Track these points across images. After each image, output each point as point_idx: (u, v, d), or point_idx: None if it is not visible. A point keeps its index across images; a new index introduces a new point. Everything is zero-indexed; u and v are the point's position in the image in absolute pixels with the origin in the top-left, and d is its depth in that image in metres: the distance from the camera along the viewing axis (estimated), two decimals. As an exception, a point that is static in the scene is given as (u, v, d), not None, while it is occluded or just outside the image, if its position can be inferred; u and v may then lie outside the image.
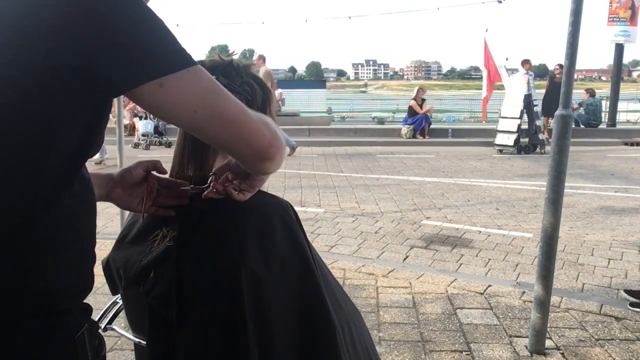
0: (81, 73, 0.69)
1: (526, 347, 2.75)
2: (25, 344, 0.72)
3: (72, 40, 0.67)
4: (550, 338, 2.85)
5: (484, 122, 15.92)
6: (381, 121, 16.75)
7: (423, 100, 12.95)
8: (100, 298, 3.25)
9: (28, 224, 0.71)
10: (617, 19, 13.70)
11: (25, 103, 0.68)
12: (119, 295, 1.15)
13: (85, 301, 0.82)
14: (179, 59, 0.74)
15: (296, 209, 1.12)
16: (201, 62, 1.13)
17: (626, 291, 3.43)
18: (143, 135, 11.26)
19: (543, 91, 12.35)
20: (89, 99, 0.72)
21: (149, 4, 0.79)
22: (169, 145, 10.90)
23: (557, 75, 11.82)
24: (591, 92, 13.79)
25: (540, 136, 10.89)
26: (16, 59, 0.67)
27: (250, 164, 0.90)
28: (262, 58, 10.60)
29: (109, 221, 5.31)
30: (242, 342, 0.96)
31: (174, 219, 1.06)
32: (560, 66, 12.20)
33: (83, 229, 0.80)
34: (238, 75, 1.11)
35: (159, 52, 0.73)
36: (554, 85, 11.69)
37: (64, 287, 0.76)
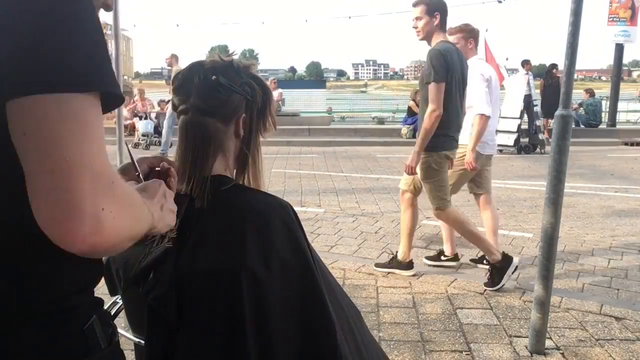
0: None
1: (526, 347, 2.75)
2: (34, 340, 0.71)
3: None
4: (550, 338, 2.85)
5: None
6: (381, 121, 16.75)
7: None
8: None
9: (27, 219, 0.65)
10: (617, 19, 13.70)
11: None
12: (119, 295, 1.15)
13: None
14: (61, 77, 0.62)
15: (296, 209, 1.12)
16: (201, 62, 1.14)
17: (426, 257, 4.10)
18: (143, 135, 11.28)
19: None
20: None
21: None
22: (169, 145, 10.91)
23: (554, 72, 11.84)
24: (591, 92, 13.80)
25: (540, 136, 10.89)
26: None
27: (44, 229, 0.65)
28: (174, 57, 9.63)
29: (109, 221, 5.32)
30: (242, 343, 0.96)
31: None
32: (552, 66, 12.20)
33: None
34: (238, 75, 1.12)
35: (38, 63, 0.61)
36: (550, 87, 11.70)
37: (68, 282, 0.75)
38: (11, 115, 0.62)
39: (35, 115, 0.61)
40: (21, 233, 0.69)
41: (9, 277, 0.71)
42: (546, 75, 12.44)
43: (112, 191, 0.65)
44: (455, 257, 4.10)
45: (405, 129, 12.61)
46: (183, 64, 9.00)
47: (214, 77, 1.08)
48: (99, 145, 0.64)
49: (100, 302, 0.82)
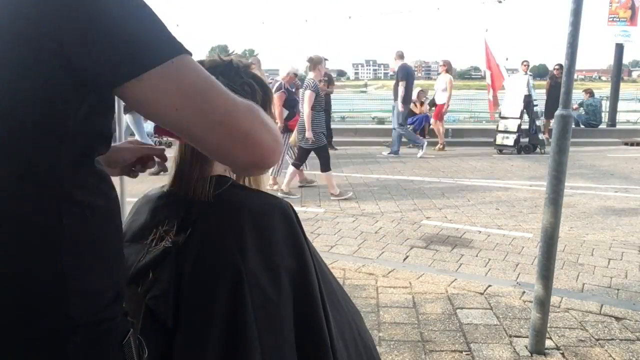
0: (67, 70, 0.65)
1: (526, 347, 2.75)
2: (77, 354, 0.69)
3: (52, 38, 0.64)
4: (550, 338, 2.85)
5: (484, 122, 15.90)
6: (381, 121, 16.73)
7: (422, 101, 12.94)
8: (100, 298, 3.26)
9: (54, 225, 0.68)
10: (617, 19, 13.69)
11: (23, 101, 0.66)
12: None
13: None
14: (162, 49, 0.67)
15: (296, 209, 1.12)
16: (201, 62, 1.14)
17: None
18: (143, 135, 11.26)
19: (543, 91, 12.36)
20: (79, 96, 0.68)
21: None
22: (169, 145, 10.89)
23: (556, 73, 11.85)
24: (590, 92, 13.80)
25: (540, 136, 10.89)
26: (9, 58, 0.65)
27: (244, 170, 0.83)
28: None
29: (109, 221, 5.32)
30: (242, 343, 0.96)
31: (172, 218, 1.06)
32: (560, 66, 12.21)
33: (106, 226, 0.76)
34: (238, 75, 1.12)
35: (138, 45, 0.66)
36: (555, 87, 11.70)
37: (101, 290, 0.73)
38: (135, 97, 0.68)
39: (175, 86, 0.67)
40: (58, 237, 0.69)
41: (45, 282, 0.69)
42: (552, 76, 12.45)
43: (260, 116, 0.75)
44: None
45: (405, 129, 12.60)
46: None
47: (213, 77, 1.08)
48: (221, 85, 0.72)
49: (128, 313, 0.80)
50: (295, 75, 7.14)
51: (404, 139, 10.63)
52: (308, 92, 6.25)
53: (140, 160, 1.16)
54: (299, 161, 6.59)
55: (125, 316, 0.78)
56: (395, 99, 10.04)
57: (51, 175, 0.68)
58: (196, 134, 0.71)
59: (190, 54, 0.70)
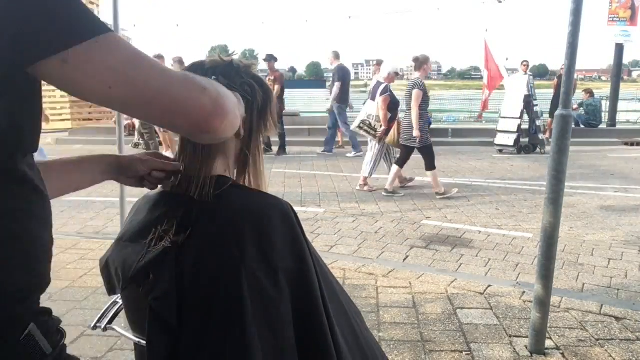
0: None
1: (526, 347, 2.75)
2: None
3: None
4: (550, 338, 2.85)
5: (483, 121, 15.90)
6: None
7: None
8: (101, 298, 3.26)
9: None
10: (617, 19, 13.70)
11: None
12: (119, 295, 1.15)
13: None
14: (85, 27, 0.66)
15: (296, 209, 1.12)
16: (201, 63, 1.14)
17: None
18: (143, 135, 11.25)
19: (544, 91, 12.36)
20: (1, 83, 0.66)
21: None
22: (137, 145, 10.87)
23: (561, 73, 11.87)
24: (590, 92, 13.80)
25: (540, 136, 10.89)
26: None
27: (192, 136, 0.84)
28: (156, 58, 9.87)
29: (109, 221, 5.32)
30: (243, 343, 0.96)
31: (172, 218, 1.06)
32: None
33: (21, 229, 0.73)
34: (238, 75, 1.11)
35: (58, 22, 0.64)
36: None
37: (5, 290, 0.71)
38: (61, 77, 0.66)
39: (103, 64, 0.66)
40: None
41: None
42: (560, 75, 12.47)
43: (197, 82, 0.75)
44: None
45: (405, 129, 12.60)
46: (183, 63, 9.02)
47: (213, 77, 1.08)
48: (151, 58, 0.72)
49: (47, 311, 0.79)
50: (397, 74, 7.15)
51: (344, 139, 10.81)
52: (416, 91, 6.32)
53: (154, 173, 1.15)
54: (403, 161, 6.67)
55: (33, 315, 0.76)
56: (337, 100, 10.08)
57: None
58: (134, 109, 0.73)
59: (114, 33, 0.70)
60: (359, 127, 7.04)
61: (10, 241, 0.71)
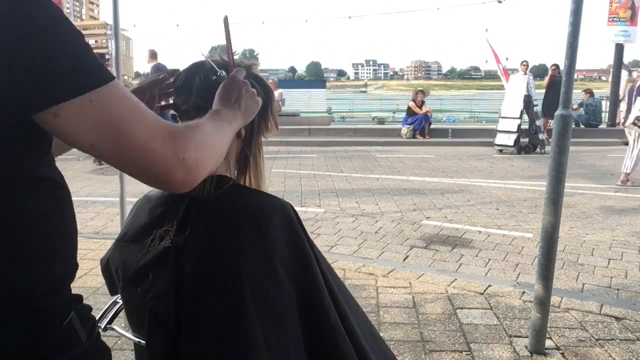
0: None
1: (526, 347, 2.75)
2: (13, 340, 0.71)
3: None
4: (550, 338, 2.85)
5: (484, 122, 15.91)
6: (381, 121, 16.75)
7: (423, 102, 12.94)
8: (100, 298, 3.26)
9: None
10: (617, 19, 13.70)
11: None
12: (119, 295, 1.15)
13: (79, 297, 0.82)
14: (80, 81, 0.67)
15: (296, 209, 1.12)
16: (202, 62, 1.14)
17: None
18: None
19: (543, 91, 12.36)
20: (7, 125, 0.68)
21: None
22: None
23: (552, 73, 11.90)
24: (590, 92, 13.80)
25: (540, 136, 10.90)
26: None
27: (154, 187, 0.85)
28: (151, 54, 9.42)
29: (109, 221, 5.31)
30: (245, 344, 0.96)
31: (172, 218, 1.06)
32: (557, 66, 12.22)
33: (50, 226, 0.76)
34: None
35: (55, 74, 0.65)
36: (553, 86, 11.70)
37: (39, 283, 0.74)
38: (54, 128, 0.68)
39: (90, 123, 0.68)
40: None
41: None
42: (550, 75, 12.47)
43: (181, 140, 0.76)
44: None
45: (405, 129, 12.62)
46: (184, 63, 8.99)
47: (214, 77, 1.08)
48: (144, 112, 0.74)
49: (79, 298, 0.82)
50: None
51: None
52: None
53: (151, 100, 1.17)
54: None
55: (70, 302, 0.79)
56: None
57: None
58: (112, 163, 0.74)
59: (113, 78, 0.70)
60: (634, 124, 7.10)
61: (51, 239, 0.76)
